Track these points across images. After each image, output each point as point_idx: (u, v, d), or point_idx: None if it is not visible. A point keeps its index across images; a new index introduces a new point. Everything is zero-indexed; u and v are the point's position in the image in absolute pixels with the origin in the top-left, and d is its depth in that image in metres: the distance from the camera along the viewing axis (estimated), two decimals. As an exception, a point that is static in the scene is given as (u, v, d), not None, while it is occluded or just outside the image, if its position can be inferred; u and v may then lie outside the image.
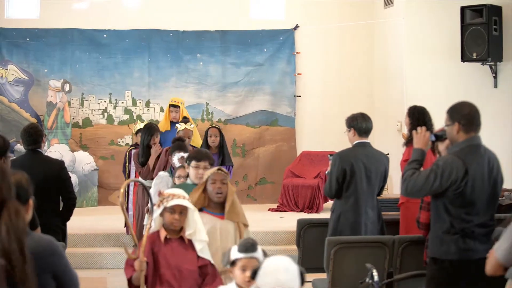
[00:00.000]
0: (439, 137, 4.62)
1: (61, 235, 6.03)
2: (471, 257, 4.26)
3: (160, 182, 6.44)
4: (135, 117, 11.34)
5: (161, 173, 6.74)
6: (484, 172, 4.42)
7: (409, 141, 6.54)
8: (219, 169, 4.77)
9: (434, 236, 4.52)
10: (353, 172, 5.90)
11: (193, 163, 5.33)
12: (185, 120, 8.65)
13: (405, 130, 6.97)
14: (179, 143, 6.97)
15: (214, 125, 8.42)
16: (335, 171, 5.92)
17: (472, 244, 4.31)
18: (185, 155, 6.39)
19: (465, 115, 4.43)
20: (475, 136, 4.46)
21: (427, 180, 4.35)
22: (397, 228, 6.39)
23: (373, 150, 6.04)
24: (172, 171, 6.61)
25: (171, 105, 9.23)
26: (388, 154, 10.06)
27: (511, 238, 3.70)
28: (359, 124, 5.95)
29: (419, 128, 4.62)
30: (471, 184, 4.36)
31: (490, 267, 3.83)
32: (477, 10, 9.24)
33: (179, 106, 9.19)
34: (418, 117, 6.40)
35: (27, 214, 3.18)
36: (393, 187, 10.35)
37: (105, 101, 11.33)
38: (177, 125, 7.96)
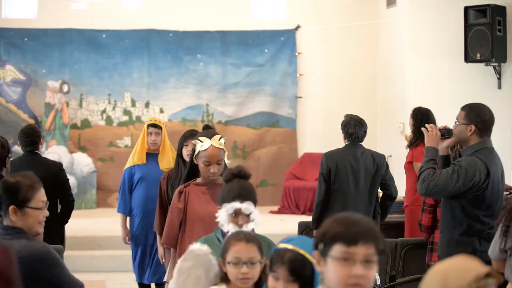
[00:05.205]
0: (442, 135, 4.56)
1: (59, 238, 5.96)
2: (485, 258, 4.22)
3: (191, 268, 3.07)
4: (134, 119, 11.27)
5: (196, 247, 3.12)
6: (499, 175, 4.44)
7: (412, 143, 6.48)
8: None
9: (449, 238, 4.49)
10: (338, 172, 5.87)
11: (341, 249, 2.21)
12: (210, 133, 4.39)
13: (408, 132, 6.91)
14: (240, 186, 3.52)
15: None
16: (322, 170, 5.93)
17: (487, 246, 4.29)
18: (243, 206, 3.41)
19: (485, 121, 4.43)
20: (488, 140, 4.47)
21: (449, 180, 4.30)
22: (400, 231, 6.35)
23: (364, 151, 5.96)
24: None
25: (150, 125, 6.20)
26: (390, 155, 10.10)
27: (495, 235, 3.90)
28: (349, 130, 5.92)
29: (428, 126, 4.56)
30: (491, 186, 4.36)
31: (493, 265, 3.96)
32: (481, 10, 9.16)
33: (160, 127, 6.20)
34: (421, 118, 6.36)
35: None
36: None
37: (104, 102, 11.24)
38: (195, 141, 4.31)
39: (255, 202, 3.47)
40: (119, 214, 6.31)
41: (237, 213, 3.41)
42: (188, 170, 4.54)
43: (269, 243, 3.29)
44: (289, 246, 2.62)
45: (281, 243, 2.67)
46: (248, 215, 3.40)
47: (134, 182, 6.18)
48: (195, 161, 4.29)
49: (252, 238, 2.99)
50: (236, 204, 3.37)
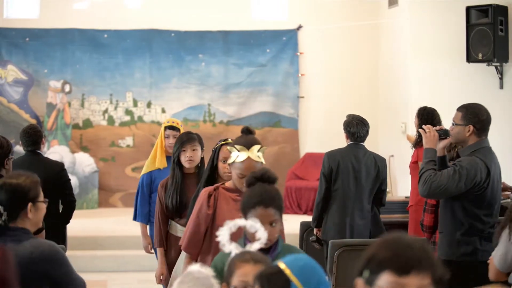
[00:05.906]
0: (439, 136, 4.56)
1: (61, 237, 5.94)
2: (485, 257, 4.23)
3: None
4: (136, 118, 11.26)
5: (195, 268, 2.63)
6: (498, 174, 4.46)
7: (417, 143, 6.47)
8: None
9: (450, 238, 4.49)
10: (339, 172, 5.88)
11: (390, 279, 1.87)
12: (249, 141, 3.77)
13: (410, 132, 6.90)
14: (263, 191, 3.11)
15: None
16: (324, 169, 5.93)
17: (488, 246, 4.30)
18: (248, 224, 2.92)
19: (482, 121, 4.44)
20: (486, 139, 4.48)
21: (451, 180, 4.31)
22: (404, 231, 6.31)
23: (366, 152, 5.96)
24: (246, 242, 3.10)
25: (167, 128, 5.65)
26: (392, 155, 10.09)
27: (505, 244, 3.75)
28: (351, 130, 5.92)
29: (425, 127, 4.56)
30: (491, 185, 4.37)
31: (491, 273, 3.87)
32: (482, 10, 9.13)
33: (179, 129, 5.64)
34: (426, 118, 6.34)
35: None
36: (398, 190, 10.25)
37: (105, 102, 11.24)
38: (231, 148, 3.77)
39: (280, 209, 3.07)
40: (120, 214, 6.25)
41: (262, 222, 2.92)
42: (208, 173, 4.32)
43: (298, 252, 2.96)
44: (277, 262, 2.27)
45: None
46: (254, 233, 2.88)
47: (155, 188, 5.52)
48: (227, 169, 3.96)
49: (260, 259, 2.61)
50: (240, 222, 2.83)
